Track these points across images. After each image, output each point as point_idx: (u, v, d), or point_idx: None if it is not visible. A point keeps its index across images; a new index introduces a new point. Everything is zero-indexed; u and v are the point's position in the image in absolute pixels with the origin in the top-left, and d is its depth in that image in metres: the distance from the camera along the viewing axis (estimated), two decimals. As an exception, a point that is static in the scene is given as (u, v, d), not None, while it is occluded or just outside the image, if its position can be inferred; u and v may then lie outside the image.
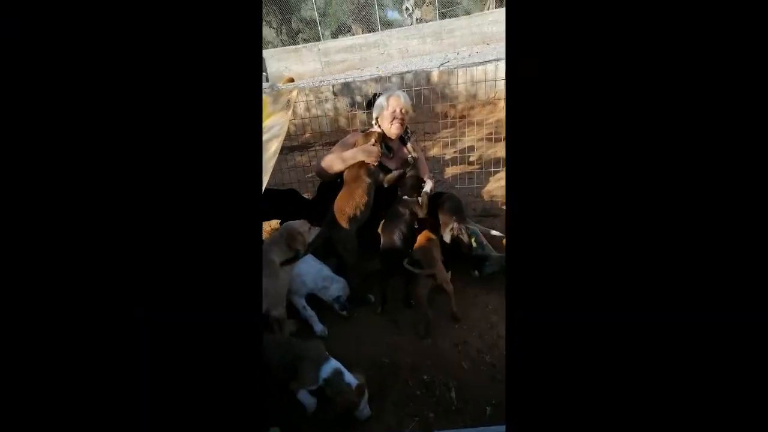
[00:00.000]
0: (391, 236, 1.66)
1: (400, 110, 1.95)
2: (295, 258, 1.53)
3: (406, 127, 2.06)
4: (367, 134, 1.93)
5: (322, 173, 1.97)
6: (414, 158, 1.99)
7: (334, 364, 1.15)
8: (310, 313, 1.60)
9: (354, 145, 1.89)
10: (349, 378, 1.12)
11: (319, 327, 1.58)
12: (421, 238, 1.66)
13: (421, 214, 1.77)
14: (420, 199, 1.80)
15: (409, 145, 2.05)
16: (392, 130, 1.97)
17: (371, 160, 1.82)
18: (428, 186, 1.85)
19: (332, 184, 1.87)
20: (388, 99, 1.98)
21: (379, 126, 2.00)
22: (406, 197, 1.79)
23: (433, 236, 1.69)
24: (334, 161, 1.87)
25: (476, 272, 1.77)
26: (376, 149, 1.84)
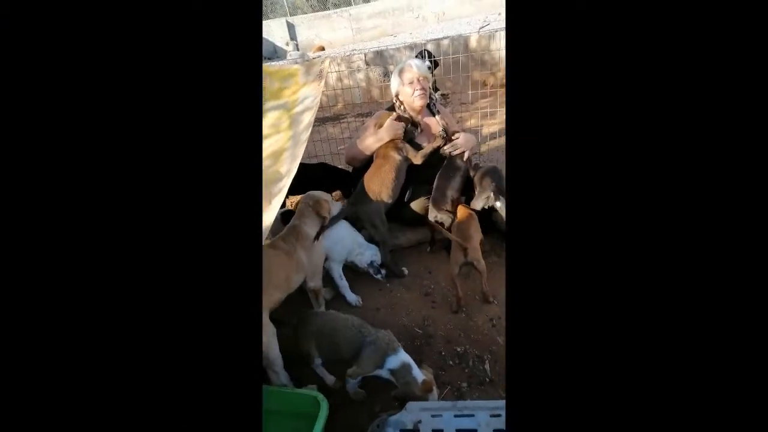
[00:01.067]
0: (444, 183, 1.73)
1: (417, 79, 1.84)
2: (323, 228, 1.53)
3: (431, 96, 1.93)
4: (389, 110, 1.87)
5: (351, 161, 1.96)
6: (445, 128, 1.88)
7: (404, 356, 1.10)
8: (344, 283, 1.63)
9: (378, 126, 1.83)
10: (417, 372, 1.08)
11: (352, 297, 1.61)
12: (461, 213, 1.63)
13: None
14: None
15: (438, 116, 1.93)
16: (415, 103, 1.86)
17: (397, 136, 1.78)
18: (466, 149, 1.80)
19: (370, 161, 1.85)
20: (400, 74, 1.88)
21: (402, 104, 1.90)
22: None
23: (471, 211, 1.65)
24: (363, 145, 1.84)
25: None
26: (399, 124, 1.78)
